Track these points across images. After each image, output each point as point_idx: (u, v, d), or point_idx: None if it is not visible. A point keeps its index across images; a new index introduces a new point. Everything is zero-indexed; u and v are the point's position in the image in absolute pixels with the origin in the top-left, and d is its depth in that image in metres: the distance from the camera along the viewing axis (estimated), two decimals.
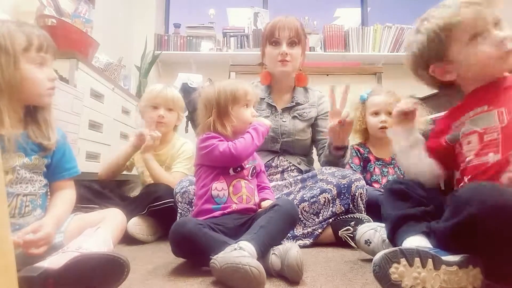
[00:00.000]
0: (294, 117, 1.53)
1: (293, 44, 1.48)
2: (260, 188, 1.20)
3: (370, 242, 0.97)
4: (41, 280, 0.65)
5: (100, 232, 0.84)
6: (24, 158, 0.89)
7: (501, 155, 0.81)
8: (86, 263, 0.68)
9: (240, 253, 0.78)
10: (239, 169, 1.11)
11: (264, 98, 1.55)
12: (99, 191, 1.46)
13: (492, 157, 0.82)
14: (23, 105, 0.91)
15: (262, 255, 0.85)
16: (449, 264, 0.70)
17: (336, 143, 1.35)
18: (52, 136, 0.94)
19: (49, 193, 1.01)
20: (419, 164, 0.96)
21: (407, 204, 0.85)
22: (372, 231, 0.98)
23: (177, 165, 1.62)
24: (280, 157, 1.51)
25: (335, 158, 1.40)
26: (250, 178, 1.13)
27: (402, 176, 1.67)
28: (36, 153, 0.92)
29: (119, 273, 0.70)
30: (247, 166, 1.13)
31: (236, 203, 1.06)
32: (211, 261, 0.80)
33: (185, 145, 1.68)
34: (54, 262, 0.70)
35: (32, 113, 0.93)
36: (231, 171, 1.10)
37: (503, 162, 0.80)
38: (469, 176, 0.87)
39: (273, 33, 1.47)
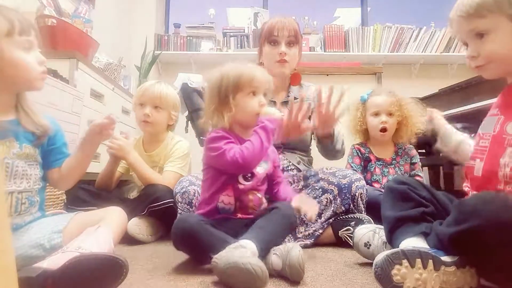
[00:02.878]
0: None
1: (291, 44, 1.49)
2: (274, 184, 1.14)
3: (370, 245, 0.96)
4: (40, 280, 0.65)
5: (100, 231, 0.84)
6: (15, 149, 0.87)
7: (484, 164, 0.82)
8: (85, 264, 0.68)
9: (242, 252, 0.78)
10: (249, 176, 1.03)
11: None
12: (97, 193, 1.45)
13: (478, 164, 0.83)
14: (14, 92, 0.89)
15: (262, 254, 0.85)
16: (447, 264, 0.70)
17: (318, 135, 1.41)
18: (43, 123, 0.92)
19: (49, 182, 1.01)
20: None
21: (407, 205, 0.84)
22: (371, 233, 0.97)
23: (168, 164, 1.54)
24: (280, 156, 1.51)
25: (325, 145, 1.44)
26: (260, 183, 1.07)
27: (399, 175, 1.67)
28: (30, 143, 0.91)
29: (117, 273, 0.70)
30: (260, 172, 1.05)
31: (241, 214, 1.03)
32: (213, 260, 0.80)
33: (178, 144, 1.60)
34: (53, 262, 0.70)
35: (20, 101, 0.91)
36: (241, 179, 1.02)
37: (485, 178, 0.81)
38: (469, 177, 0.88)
39: (272, 32, 1.48)
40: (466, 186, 0.89)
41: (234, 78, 1.01)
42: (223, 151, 0.96)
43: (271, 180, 1.13)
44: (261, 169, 1.06)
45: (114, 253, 0.73)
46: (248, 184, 1.02)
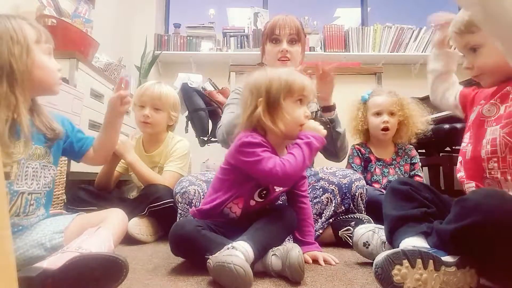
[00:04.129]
0: None
1: (293, 41, 1.49)
2: (297, 197, 1.07)
3: (369, 244, 0.96)
4: (40, 280, 0.65)
5: (100, 232, 0.84)
6: (31, 150, 0.90)
7: (471, 147, 0.90)
8: (85, 264, 0.68)
9: (230, 252, 0.79)
10: (265, 193, 0.99)
11: None
12: (97, 192, 1.45)
13: (468, 147, 0.91)
14: (35, 95, 0.94)
15: (260, 255, 0.85)
16: (448, 264, 0.70)
17: (320, 103, 1.41)
18: (54, 126, 0.96)
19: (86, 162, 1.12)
20: (450, 89, 1.08)
21: (410, 205, 0.84)
22: (370, 232, 0.97)
23: (169, 164, 1.53)
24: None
25: (326, 124, 1.38)
26: (273, 199, 1.04)
27: (402, 176, 1.67)
28: (43, 144, 0.94)
29: (117, 273, 0.70)
30: (276, 190, 1.02)
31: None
32: (208, 260, 0.81)
33: (179, 144, 1.58)
34: (53, 262, 0.70)
35: (33, 104, 0.95)
36: (256, 196, 0.99)
37: (472, 159, 0.89)
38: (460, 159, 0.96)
39: (274, 30, 1.48)
40: (460, 174, 0.94)
41: (287, 82, 0.94)
42: (261, 159, 0.89)
43: (294, 193, 1.08)
44: (278, 188, 1.02)
45: (114, 253, 0.72)
46: (261, 201, 1.01)
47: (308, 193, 1.31)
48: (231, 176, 0.98)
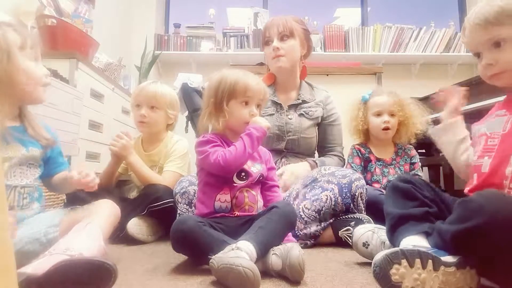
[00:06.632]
0: (300, 115, 1.54)
1: (284, 38, 1.50)
2: (268, 186, 1.14)
3: (368, 244, 0.96)
4: (24, 287, 0.61)
5: (89, 228, 0.82)
6: (22, 150, 0.92)
7: (492, 160, 0.83)
8: (71, 269, 0.65)
9: (236, 253, 0.79)
10: (243, 175, 1.05)
11: (269, 96, 1.55)
12: (97, 192, 1.44)
13: (486, 161, 0.84)
14: (20, 102, 0.95)
15: (262, 254, 0.85)
16: (447, 265, 0.69)
17: None
18: (46, 136, 0.98)
19: (43, 187, 1.04)
20: (470, 156, 0.93)
21: (411, 204, 0.84)
22: (370, 232, 0.96)
23: (168, 164, 1.54)
24: (283, 159, 1.51)
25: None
26: (255, 183, 1.07)
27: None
28: (40, 147, 0.97)
29: (106, 279, 0.67)
30: (255, 171, 1.07)
31: (238, 212, 1.05)
32: (210, 260, 0.81)
33: (178, 143, 1.59)
34: (38, 267, 0.66)
35: (25, 114, 0.97)
36: (235, 179, 1.04)
37: (492, 174, 0.82)
38: (474, 175, 0.88)
39: (265, 33, 1.54)
40: (467, 188, 0.89)
41: (230, 84, 1.04)
42: (207, 154, 1.00)
43: (265, 184, 1.13)
44: (255, 169, 1.07)
45: (102, 257, 0.69)
46: (242, 183, 1.05)
47: (306, 192, 1.31)
48: (203, 177, 1.07)
